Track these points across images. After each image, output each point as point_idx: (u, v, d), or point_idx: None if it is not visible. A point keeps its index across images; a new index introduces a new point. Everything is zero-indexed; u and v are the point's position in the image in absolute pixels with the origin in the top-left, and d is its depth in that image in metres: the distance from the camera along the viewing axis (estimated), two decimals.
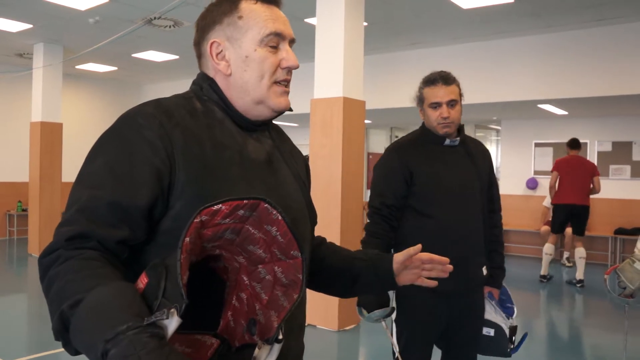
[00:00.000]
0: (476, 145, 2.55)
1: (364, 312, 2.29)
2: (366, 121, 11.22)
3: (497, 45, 7.52)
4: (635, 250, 2.48)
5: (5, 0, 6.41)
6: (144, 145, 1.08)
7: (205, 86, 1.24)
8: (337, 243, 5.08)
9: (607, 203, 9.20)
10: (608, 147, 9.29)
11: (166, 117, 1.12)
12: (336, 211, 5.07)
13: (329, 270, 1.45)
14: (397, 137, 13.22)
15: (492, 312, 2.51)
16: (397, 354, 2.42)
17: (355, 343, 4.99)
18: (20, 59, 9.65)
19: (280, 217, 0.99)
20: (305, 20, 6.65)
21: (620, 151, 9.18)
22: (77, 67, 10.18)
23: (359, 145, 5.36)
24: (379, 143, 13.21)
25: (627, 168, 9.11)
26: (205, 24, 1.25)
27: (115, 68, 10.35)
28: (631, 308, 2.90)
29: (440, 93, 2.33)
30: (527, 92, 7.33)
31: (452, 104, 2.34)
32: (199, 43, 1.27)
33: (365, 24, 6.68)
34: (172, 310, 0.84)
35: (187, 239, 0.90)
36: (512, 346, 2.49)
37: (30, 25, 7.52)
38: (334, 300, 5.12)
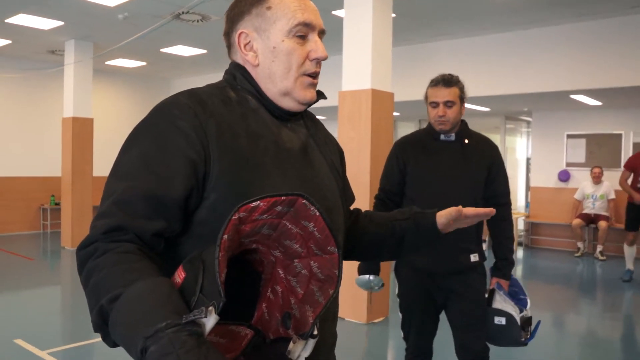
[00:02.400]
0: (479, 142, 2.75)
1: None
2: (394, 113, 11.15)
3: (527, 35, 7.38)
4: None
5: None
6: (179, 136, 1.08)
7: (239, 75, 1.24)
8: None
9: None
10: None
11: (200, 107, 1.12)
12: (365, 204, 5.04)
13: (372, 240, 1.47)
14: None
15: (501, 302, 2.66)
16: None
17: (385, 335, 4.98)
18: (52, 55, 9.83)
19: (317, 213, 0.98)
20: (333, 12, 6.62)
21: None
22: (107, 62, 10.32)
23: (387, 138, 5.33)
24: None
25: None
26: (235, 15, 1.24)
27: (145, 63, 10.47)
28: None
29: (439, 94, 2.61)
30: (559, 82, 7.18)
31: (449, 104, 2.60)
32: (228, 33, 1.26)
33: (393, 15, 6.64)
34: (211, 308, 0.84)
35: (225, 237, 0.90)
36: (526, 335, 2.63)
37: (62, 23, 7.65)
38: (363, 293, 5.11)
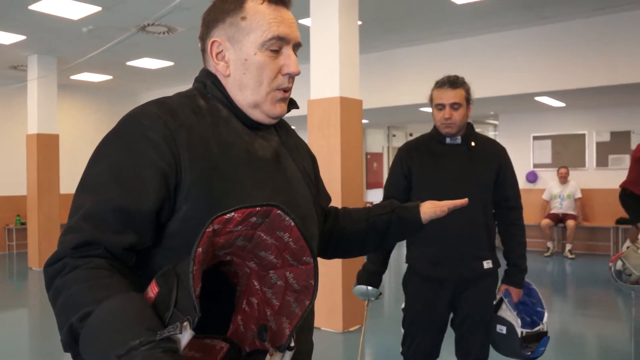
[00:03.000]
0: (486, 145, 2.66)
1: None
2: (363, 121, 11.21)
3: (491, 40, 7.52)
4: None
5: None
6: (149, 147, 1.06)
7: (209, 83, 1.21)
8: None
9: (607, 193, 9.18)
10: (606, 138, 9.28)
11: (170, 117, 1.10)
12: None
13: (353, 236, 1.49)
14: (394, 136, 13.23)
15: (506, 310, 2.59)
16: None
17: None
18: (15, 71, 9.62)
19: (292, 224, 0.97)
20: (300, 21, 6.64)
21: (618, 141, 9.17)
22: (72, 77, 10.15)
23: (357, 145, 5.34)
24: (376, 143, 13.20)
25: (626, 158, 9.09)
26: (209, 20, 1.22)
27: (111, 77, 10.32)
28: (637, 295, 2.90)
29: (445, 95, 2.51)
30: (523, 85, 7.33)
31: (455, 106, 2.50)
32: (203, 38, 1.23)
33: (359, 22, 6.68)
34: (186, 323, 0.82)
35: (200, 250, 0.88)
36: (530, 350, 2.53)
37: (24, 37, 7.50)
38: (338, 302, 5.10)
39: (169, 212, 1.07)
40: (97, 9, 6.17)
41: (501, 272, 2.67)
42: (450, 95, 2.50)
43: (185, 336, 0.82)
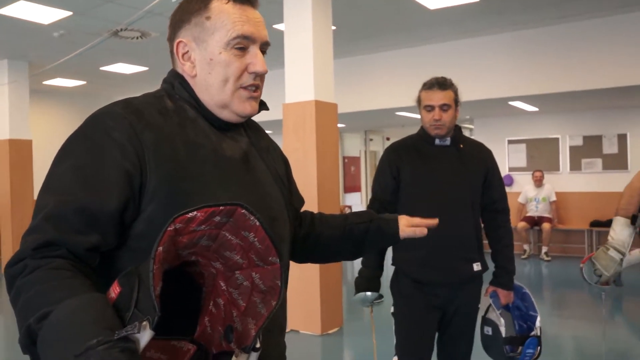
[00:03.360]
0: (473, 147, 2.66)
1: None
2: (340, 125, 11.24)
3: (465, 45, 7.60)
4: (609, 237, 2.50)
5: None
6: (113, 147, 1.04)
7: (177, 84, 1.21)
8: None
9: (581, 196, 9.34)
10: (579, 142, 9.43)
11: (136, 118, 1.08)
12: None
13: (329, 242, 1.48)
14: (371, 139, 13.28)
15: (492, 311, 2.60)
16: (395, 357, 2.61)
17: (339, 346, 4.96)
18: None
19: (257, 223, 0.96)
20: (274, 26, 6.63)
21: (591, 145, 9.32)
22: (45, 82, 9.99)
23: (333, 148, 5.35)
24: (353, 146, 13.24)
25: (599, 161, 9.27)
26: (176, 22, 1.21)
27: (84, 82, 10.19)
28: (608, 296, 2.93)
29: (435, 97, 2.48)
30: (497, 89, 7.42)
31: (444, 108, 2.48)
32: (170, 39, 1.23)
33: (333, 27, 6.70)
34: (145, 323, 0.81)
35: (161, 249, 0.87)
36: (516, 354, 2.52)
37: None
38: (316, 305, 5.09)
39: (134, 213, 1.06)
40: (68, 13, 6.09)
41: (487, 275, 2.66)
42: (439, 97, 2.48)
43: (145, 336, 0.81)
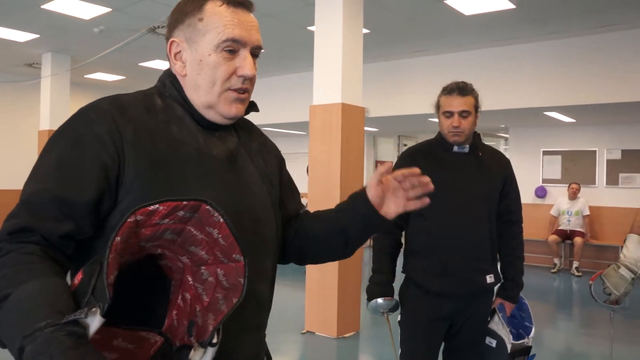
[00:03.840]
0: (492, 155, 2.59)
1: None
2: (373, 129, 11.20)
3: (500, 52, 7.48)
4: (621, 255, 2.43)
5: (11, 11, 6.49)
6: (93, 140, 1.08)
7: (168, 83, 1.23)
8: None
9: (617, 212, 9.07)
10: (617, 155, 9.16)
11: (119, 113, 1.11)
12: None
13: (318, 239, 1.40)
14: (405, 145, 13.20)
15: (498, 324, 2.52)
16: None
17: (355, 350, 4.95)
18: (30, 68, 9.77)
19: (222, 220, 0.96)
20: (309, 28, 6.67)
21: (629, 159, 9.04)
22: (86, 76, 10.28)
23: (358, 152, 5.34)
24: (387, 151, 13.17)
25: (637, 177, 8.99)
26: (171, 22, 1.23)
27: (124, 77, 10.44)
28: (617, 315, 2.84)
29: (455, 103, 2.42)
30: (533, 99, 7.28)
31: (464, 114, 2.41)
32: (166, 39, 1.25)
33: (367, 31, 6.70)
34: (94, 309, 0.83)
35: (118, 239, 0.89)
36: None
37: (37, 35, 7.62)
38: (333, 307, 5.08)
39: (110, 204, 1.08)
40: (108, 9, 6.26)
41: None
42: (459, 103, 2.41)
43: (94, 322, 0.82)
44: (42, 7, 6.28)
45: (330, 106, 5.17)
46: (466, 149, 2.49)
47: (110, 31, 7.13)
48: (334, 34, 5.17)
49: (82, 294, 0.89)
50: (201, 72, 1.19)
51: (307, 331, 5.23)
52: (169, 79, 1.24)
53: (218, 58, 1.17)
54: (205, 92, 1.19)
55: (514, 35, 7.01)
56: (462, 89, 2.44)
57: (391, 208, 1.32)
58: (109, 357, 0.99)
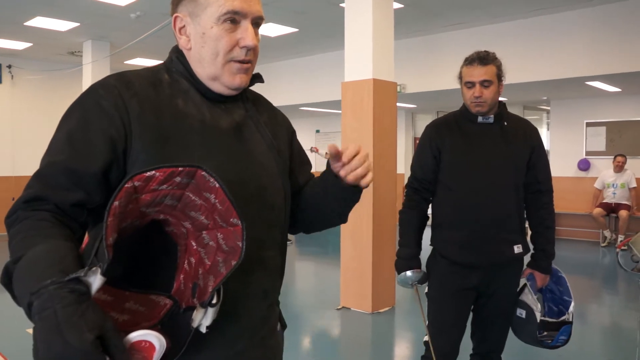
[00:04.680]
0: (519, 124, 2.55)
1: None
2: (411, 105, 11.09)
3: (538, 22, 7.26)
4: None
5: (51, 1, 6.68)
6: (101, 114, 1.14)
7: (174, 58, 1.28)
8: (370, 225, 5.00)
9: None
10: None
11: (125, 88, 1.17)
12: (368, 193, 5.06)
13: (312, 201, 1.41)
14: None
15: (527, 294, 2.51)
16: (426, 336, 2.55)
17: (390, 325, 4.98)
18: (73, 57, 10.04)
19: (217, 185, 1.01)
20: (341, 5, 6.62)
21: None
22: (126, 62, 10.51)
23: (391, 127, 5.32)
24: None
25: None
26: None
27: (162, 61, 10.58)
28: None
29: (475, 73, 2.40)
30: (574, 69, 7.06)
31: (485, 84, 2.39)
32: (171, 15, 1.30)
33: (400, 6, 6.61)
34: (95, 268, 0.89)
35: (116, 203, 0.94)
36: (548, 339, 2.45)
37: (77, 24, 7.82)
38: (368, 282, 5.12)
39: (119, 175, 1.14)
40: None
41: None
42: (480, 73, 2.39)
43: (96, 280, 0.89)
44: None
45: (362, 82, 5.16)
46: (491, 119, 2.47)
47: (146, 16, 7.25)
48: (364, 9, 5.14)
49: (87, 256, 0.95)
50: (204, 44, 1.23)
51: (343, 307, 5.29)
52: (175, 54, 1.29)
53: (220, 30, 1.21)
54: (209, 63, 1.23)
55: (553, 4, 6.79)
56: (482, 58, 2.41)
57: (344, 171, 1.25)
58: (121, 318, 1.05)
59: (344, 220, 1.45)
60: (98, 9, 7.03)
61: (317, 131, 13.59)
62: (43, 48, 9.49)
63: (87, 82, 9.07)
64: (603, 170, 9.11)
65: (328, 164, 1.29)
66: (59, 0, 6.67)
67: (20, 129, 10.40)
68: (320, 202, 1.39)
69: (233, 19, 1.21)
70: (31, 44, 9.15)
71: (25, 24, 7.78)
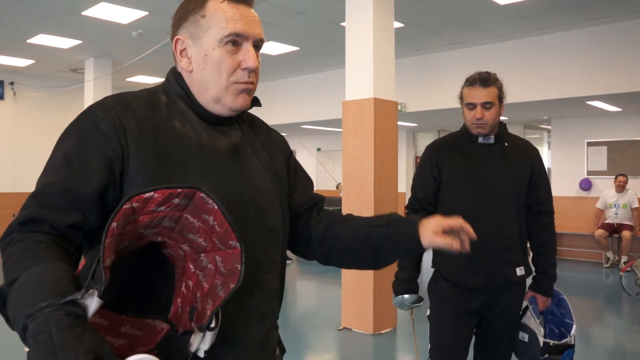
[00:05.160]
0: (519, 144, 2.54)
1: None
2: (412, 124, 11.11)
3: (538, 42, 7.30)
4: None
5: (54, 18, 6.72)
6: (99, 135, 1.13)
7: (172, 80, 1.28)
8: None
9: None
10: None
11: (123, 109, 1.17)
12: (369, 212, 5.03)
13: (347, 246, 1.41)
14: None
15: (530, 317, 2.48)
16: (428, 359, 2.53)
17: (391, 347, 4.92)
18: (75, 74, 10.10)
19: (216, 207, 0.99)
20: (342, 24, 6.66)
21: None
22: (128, 79, 10.56)
23: (391, 146, 5.30)
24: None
25: None
26: (175, 21, 1.28)
27: (163, 79, 10.64)
28: None
29: (477, 94, 2.38)
30: (574, 88, 7.07)
31: (487, 106, 2.37)
32: (171, 38, 1.30)
33: (401, 25, 6.65)
34: (92, 290, 0.87)
35: (114, 224, 0.92)
36: None
37: (80, 41, 7.87)
38: (369, 303, 5.07)
39: (115, 196, 1.13)
40: (145, 13, 6.41)
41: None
42: (482, 94, 2.37)
43: (93, 303, 0.87)
44: (83, 13, 6.48)
45: (363, 101, 5.16)
46: (491, 139, 2.45)
47: (148, 34, 7.30)
48: (364, 28, 5.16)
49: (84, 278, 0.93)
50: (206, 66, 1.23)
51: (344, 327, 5.23)
52: (173, 76, 1.28)
53: (222, 52, 1.21)
54: (212, 85, 1.23)
55: (552, 23, 6.83)
56: (484, 79, 2.39)
57: (435, 241, 1.37)
58: (117, 343, 1.02)
59: (377, 268, 1.47)
60: (100, 26, 7.08)
61: (319, 149, 13.60)
62: (45, 65, 9.54)
63: (88, 99, 9.09)
64: (605, 190, 9.08)
65: (408, 222, 1.36)
66: (62, 18, 6.71)
67: (22, 145, 10.43)
68: (368, 252, 1.39)
69: (235, 41, 1.22)
70: (34, 61, 9.21)
71: (28, 41, 7.83)
